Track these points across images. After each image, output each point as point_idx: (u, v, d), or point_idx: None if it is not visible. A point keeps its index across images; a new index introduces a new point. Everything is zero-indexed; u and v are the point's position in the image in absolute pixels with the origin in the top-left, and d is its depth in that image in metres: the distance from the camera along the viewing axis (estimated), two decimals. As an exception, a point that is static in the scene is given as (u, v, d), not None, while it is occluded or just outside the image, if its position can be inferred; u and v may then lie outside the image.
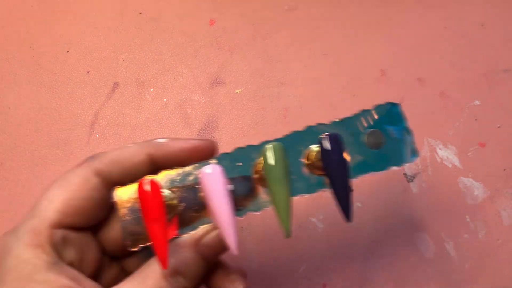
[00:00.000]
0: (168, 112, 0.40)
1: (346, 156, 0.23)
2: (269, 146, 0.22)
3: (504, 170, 0.37)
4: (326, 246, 0.35)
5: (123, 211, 0.23)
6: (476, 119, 0.39)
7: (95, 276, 0.24)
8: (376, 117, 0.24)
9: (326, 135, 0.22)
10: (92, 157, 0.24)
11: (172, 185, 0.23)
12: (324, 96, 0.40)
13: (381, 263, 0.35)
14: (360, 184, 0.37)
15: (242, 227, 0.35)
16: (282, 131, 0.39)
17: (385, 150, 0.24)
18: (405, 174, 0.37)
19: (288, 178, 0.22)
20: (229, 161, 0.24)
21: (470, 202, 0.36)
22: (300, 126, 0.39)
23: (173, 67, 0.42)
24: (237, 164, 0.23)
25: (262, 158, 0.22)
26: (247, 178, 0.23)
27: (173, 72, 0.42)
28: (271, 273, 0.35)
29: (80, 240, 0.23)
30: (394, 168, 0.24)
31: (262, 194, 0.23)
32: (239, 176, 0.23)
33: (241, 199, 0.23)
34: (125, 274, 0.24)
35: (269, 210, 0.23)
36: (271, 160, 0.21)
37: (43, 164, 0.38)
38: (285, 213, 0.22)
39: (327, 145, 0.22)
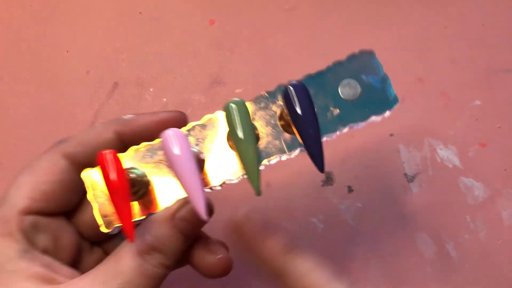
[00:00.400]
0: (168, 112, 0.40)
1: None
2: (232, 105, 0.21)
3: (505, 170, 0.37)
4: (326, 246, 0.35)
5: (94, 192, 0.22)
6: (476, 119, 0.39)
7: (74, 262, 0.24)
8: (350, 67, 0.23)
9: (288, 84, 0.21)
10: (59, 141, 0.24)
11: (142, 161, 0.23)
12: (324, 96, 0.40)
13: (381, 263, 0.35)
14: (360, 184, 0.37)
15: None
16: (282, 131, 0.39)
17: (362, 100, 0.23)
18: (405, 174, 0.37)
19: (253, 135, 0.21)
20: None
21: (470, 202, 0.36)
22: (300, 126, 0.39)
23: (173, 67, 0.42)
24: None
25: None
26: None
27: (173, 72, 0.42)
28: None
29: (53, 225, 0.23)
30: (375, 118, 0.23)
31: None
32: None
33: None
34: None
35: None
36: (235, 120, 0.21)
37: (43, 164, 0.38)
38: (253, 171, 0.21)
39: (289, 92, 0.21)
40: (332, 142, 0.39)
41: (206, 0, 0.44)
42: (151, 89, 0.41)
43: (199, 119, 0.40)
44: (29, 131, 0.40)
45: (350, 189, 0.37)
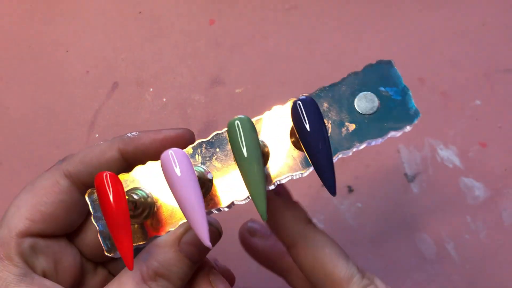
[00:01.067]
0: (168, 112, 0.40)
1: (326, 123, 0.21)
2: (236, 121, 0.19)
3: (505, 170, 0.37)
4: (326, 246, 0.35)
5: (97, 214, 0.21)
6: (477, 119, 0.39)
7: (77, 284, 0.23)
8: (367, 78, 0.22)
9: (297, 100, 0.19)
10: (61, 160, 0.23)
11: (149, 180, 0.22)
12: (324, 96, 0.40)
13: (382, 263, 0.35)
14: (360, 184, 0.37)
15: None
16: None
17: (381, 114, 0.21)
18: (405, 174, 0.37)
19: (259, 154, 0.19)
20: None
21: (471, 202, 0.36)
22: (300, 126, 0.39)
23: (173, 67, 0.42)
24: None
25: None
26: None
27: (173, 72, 0.41)
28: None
29: (53, 247, 0.22)
30: (394, 133, 0.21)
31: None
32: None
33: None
34: (113, 278, 0.23)
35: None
36: (239, 138, 0.19)
37: (43, 164, 0.38)
38: (258, 193, 0.19)
39: (297, 107, 0.19)
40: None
41: (206, 0, 0.44)
42: (151, 89, 0.41)
43: (199, 119, 0.40)
44: (29, 131, 0.39)
45: (350, 189, 0.37)
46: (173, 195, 0.19)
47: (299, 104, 0.19)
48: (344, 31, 0.43)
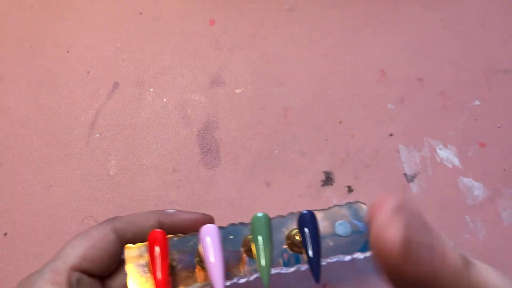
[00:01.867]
0: (168, 112, 0.40)
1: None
2: (259, 215, 0.26)
3: (504, 170, 0.37)
4: (326, 246, 0.35)
5: (129, 266, 0.27)
6: (476, 119, 0.39)
7: None
8: (346, 211, 0.29)
9: (303, 213, 0.27)
10: (112, 218, 0.29)
11: (173, 248, 0.27)
12: (324, 96, 0.40)
13: (381, 263, 0.35)
14: (360, 184, 0.37)
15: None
16: (282, 131, 0.39)
17: (351, 239, 0.28)
18: (405, 174, 0.37)
19: (271, 243, 0.26)
20: (222, 233, 0.28)
21: (470, 202, 0.36)
22: (300, 126, 0.39)
23: (173, 67, 0.42)
24: (230, 236, 0.28)
25: (250, 233, 0.27)
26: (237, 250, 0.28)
27: (173, 72, 0.42)
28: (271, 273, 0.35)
29: (92, 285, 0.26)
30: (358, 254, 0.28)
31: (247, 265, 0.28)
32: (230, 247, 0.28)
33: (230, 266, 0.27)
34: None
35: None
36: (259, 230, 0.26)
37: (43, 164, 0.38)
38: (265, 272, 0.25)
39: (303, 219, 0.27)
40: (332, 142, 0.39)
41: (206, 0, 0.44)
42: (151, 89, 0.41)
43: (199, 119, 0.40)
44: (29, 131, 0.40)
45: (350, 189, 0.37)
46: (205, 254, 0.25)
47: (304, 215, 0.27)
48: (344, 31, 0.43)
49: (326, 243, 0.28)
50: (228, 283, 0.27)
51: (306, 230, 0.26)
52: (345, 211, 0.29)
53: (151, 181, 0.37)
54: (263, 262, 0.26)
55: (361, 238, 0.28)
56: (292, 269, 0.28)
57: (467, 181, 0.37)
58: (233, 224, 0.29)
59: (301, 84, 0.41)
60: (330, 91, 0.40)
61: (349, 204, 0.29)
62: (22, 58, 0.42)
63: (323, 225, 0.28)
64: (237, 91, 0.41)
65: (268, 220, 0.27)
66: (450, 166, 0.37)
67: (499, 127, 0.38)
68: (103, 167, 0.38)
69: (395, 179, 0.37)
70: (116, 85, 0.41)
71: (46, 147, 0.39)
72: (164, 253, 0.26)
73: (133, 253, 0.27)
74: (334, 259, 0.28)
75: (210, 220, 0.30)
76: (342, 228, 0.29)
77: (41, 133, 0.39)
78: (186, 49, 0.42)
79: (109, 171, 0.38)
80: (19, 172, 0.38)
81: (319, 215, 0.28)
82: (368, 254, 0.28)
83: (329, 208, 0.29)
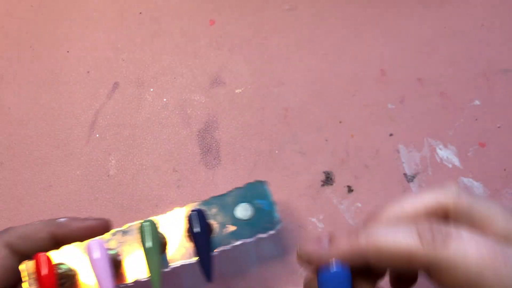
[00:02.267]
0: (168, 112, 0.40)
1: (212, 226, 0.28)
2: (146, 224, 0.27)
3: (504, 170, 0.37)
4: (326, 246, 0.35)
5: (28, 281, 0.26)
6: (476, 119, 0.39)
7: None
8: (246, 192, 0.29)
9: (191, 211, 0.28)
10: (3, 231, 0.28)
11: (72, 257, 0.27)
12: (324, 96, 0.40)
13: (381, 263, 0.35)
14: (360, 184, 0.37)
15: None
16: (282, 131, 0.39)
17: (253, 220, 0.28)
18: (405, 174, 0.37)
19: (158, 250, 0.27)
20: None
21: (470, 202, 0.36)
22: (300, 126, 0.39)
23: (173, 67, 0.42)
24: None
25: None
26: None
27: (173, 72, 0.42)
28: (271, 273, 0.35)
29: None
30: (262, 235, 0.28)
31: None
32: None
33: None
34: None
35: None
36: (148, 240, 0.27)
37: (43, 164, 0.38)
38: (154, 275, 0.26)
39: (190, 218, 0.27)
40: (332, 142, 0.39)
41: (206, 0, 0.44)
42: (151, 89, 0.41)
43: (199, 119, 0.40)
44: (29, 131, 0.40)
45: (350, 189, 0.37)
46: (93, 271, 0.26)
47: (191, 215, 0.27)
48: (344, 31, 0.43)
49: (227, 230, 0.28)
50: None
51: (194, 231, 0.27)
52: (246, 192, 0.29)
53: (151, 181, 0.37)
54: (153, 270, 0.26)
55: (265, 217, 0.28)
56: (194, 260, 0.28)
57: (467, 181, 0.37)
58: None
59: (301, 84, 0.41)
60: (330, 91, 0.40)
61: (249, 184, 0.29)
62: (22, 58, 0.42)
63: (223, 212, 0.28)
64: (237, 91, 0.41)
65: (153, 228, 0.27)
66: (450, 166, 0.37)
67: (499, 127, 0.38)
68: (103, 167, 0.38)
69: (395, 179, 0.37)
70: (116, 85, 0.41)
71: (46, 147, 0.39)
72: (51, 275, 0.25)
73: (31, 268, 0.26)
74: (236, 243, 0.28)
75: (105, 225, 0.29)
76: (242, 211, 0.29)
77: (41, 133, 0.40)
78: (186, 49, 0.42)
79: (109, 171, 0.38)
80: (19, 172, 0.38)
81: (217, 203, 0.29)
82: (272, 232, 0.28)
83: (229, 192, 0.29)
